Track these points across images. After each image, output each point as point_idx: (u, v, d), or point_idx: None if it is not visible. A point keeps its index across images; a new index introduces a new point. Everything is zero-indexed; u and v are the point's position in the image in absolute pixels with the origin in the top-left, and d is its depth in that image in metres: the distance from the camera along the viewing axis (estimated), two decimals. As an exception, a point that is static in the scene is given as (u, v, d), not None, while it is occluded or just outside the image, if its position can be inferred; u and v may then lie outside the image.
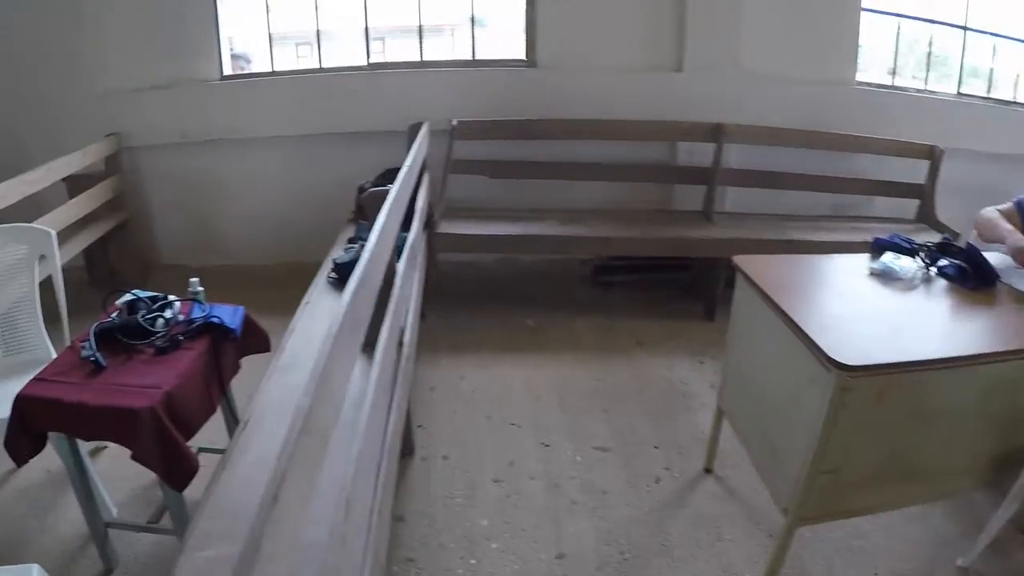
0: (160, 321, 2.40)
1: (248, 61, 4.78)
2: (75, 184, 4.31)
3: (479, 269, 4.92)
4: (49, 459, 2.98)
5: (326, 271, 3.23)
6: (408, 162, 3.04)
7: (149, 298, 2.49)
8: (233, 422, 2.74)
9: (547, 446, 3.12)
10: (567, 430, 3.23)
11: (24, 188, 3.67)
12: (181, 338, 2.37)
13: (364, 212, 3.83)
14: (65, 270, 2.94)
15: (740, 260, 2.57)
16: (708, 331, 4.08)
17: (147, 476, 2.75)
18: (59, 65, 4.54)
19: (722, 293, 4.06)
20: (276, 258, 4.61)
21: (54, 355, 2.80)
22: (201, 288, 2.61)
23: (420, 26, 4.57)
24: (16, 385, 2.50)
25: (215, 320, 2.46)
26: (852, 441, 2.02)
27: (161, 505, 2.53)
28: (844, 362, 1.88)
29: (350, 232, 3.78)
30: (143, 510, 2.73)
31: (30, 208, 3.66)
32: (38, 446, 2.24)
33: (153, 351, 2.31)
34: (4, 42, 4.56)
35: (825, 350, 1.93)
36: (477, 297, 4.61)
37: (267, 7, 4.46)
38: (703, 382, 3.61)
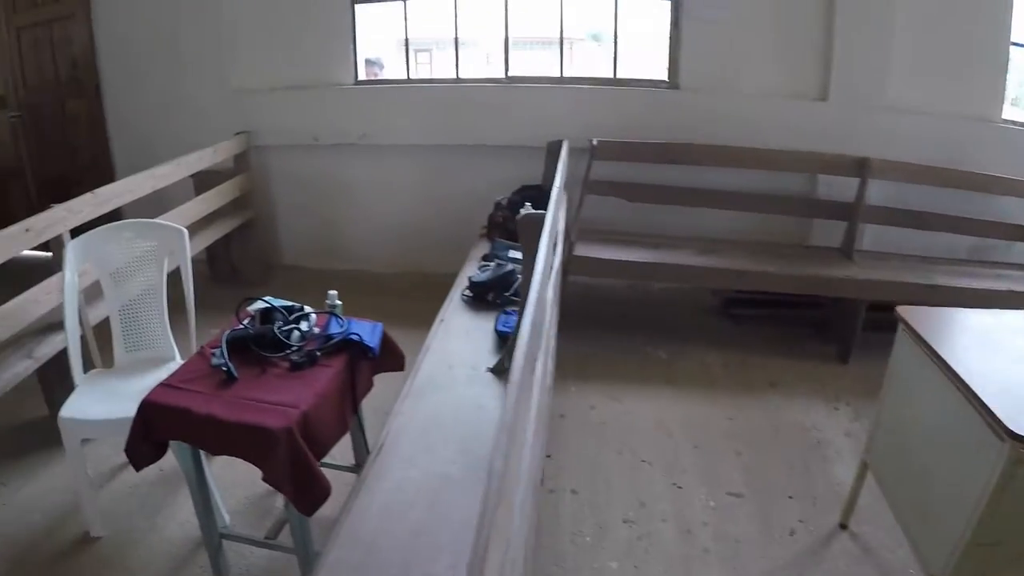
0: (296, 334, 2.30)
1: (381, 67, 4.75)
2: (202, 180, 4.34)
3: (604, 291, 4.76)
4: (167, 458, 3.04)
5: (459, 288, 3.11)
6: (557, 183, 2.93)
7: (285, 308, 2.38)
8: (361, 441, 2.64)
9: (679, 487, 2.96)
10: (700, 471, 3.07)
11: (153, 182, 3.71)
12: (318, 354, 2.25)
13: (501, 230, 3.74)
14: (187, 264, 2.93)
15: (905, 312, 2.37)
16: (842, 375, 3.87)
17: (262, 483, 2.71)
18: (193, 61, 4.61)
19: (859, 336, 3.88)
20: (399, 267, 4.55)
21: (177, 355, 2.78)
22: (339, 302, 2.50)
23: (561, 39, 4.45)
24: (138, 383, 2.54)
25: (354, 338, 2.33)
26: (1019, 515, 1.85)
27: (280, 520, 2.44)
28: (1021, 432, 1.73)
29: (482, 248, 3.65)
30: (257, 520, 2.70)
31: (156, 202, 3.69)
32: (159, 453, 2.17)
33: (288, 365, 2.20)
34: (144, 35, 4.64)
35: (1001, 418, 1.78)
36: (603, 321, 4.43)
37: (405, 14, 4.40)
38: (837, 429, 3.40)
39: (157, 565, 2.54)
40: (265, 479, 2.02)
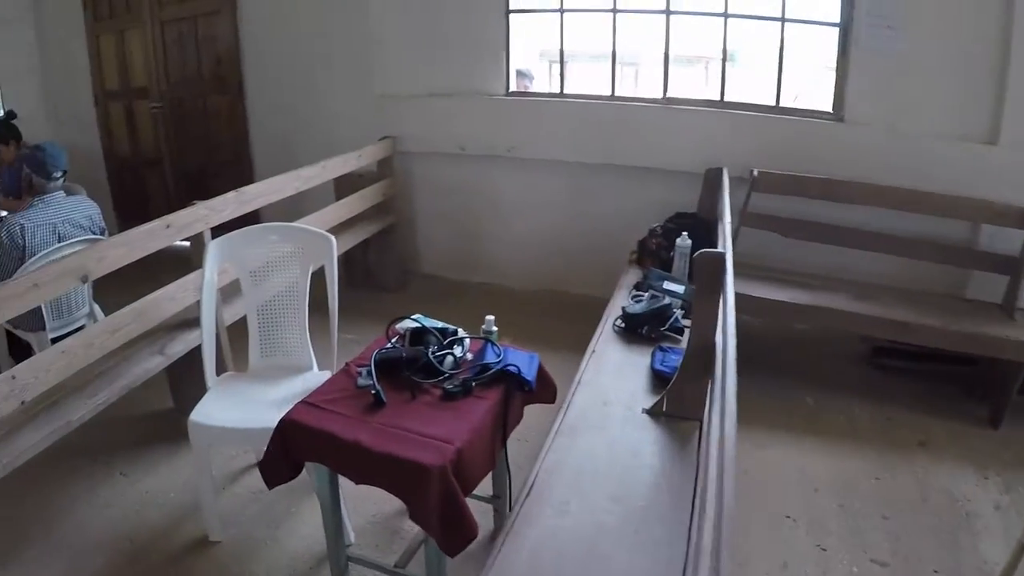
0: (449, 359, 2.13)
1: (531, 79, 4.63)
2: (342, 183, 4.29)
3: (745, 327, 4.53)
4: None
5: (610, 317, 2.91)
6: (727, 217, 2.75)
7: (439, 330, 2.22)
8: (505, 473, 2.44)
9: (823, 550, 2.71)
10: (844, 534, 2.81)
11: (298, 184, 3.64)
12: (473, 384, 2.07)
13: (654, 258, 3.54)
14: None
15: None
16: (992, 440, 3.51)
17: (391, 503, 2.57)
18: (338, 63, 4.58)
19: (1014, 400, 3.56)
20: (538, 284, 4.36)
21: (315, 364, 2.67)
22: (496, 328, 2.31)
23: (724, 60, 4.21)
24: (272, 392, 2.48)
25: (512, 369, 2.14)
26: None
27: (411, 549, 2.29)
28: None
29: (632, 275, 3.44)
30: (384, 541, 2.60)
31: (293, 203, 3.65)
32: (295, 472, 2.04)
33: (440, 394, 2.04)
34: (289, 35, 4.68)
35: None
36: (745, 360, 4.22)
37: (561, 26, 4.26)
38: (987, 501, 3.05)
39: (275, 578, 2.44)
40: (412, 517, 1.86)
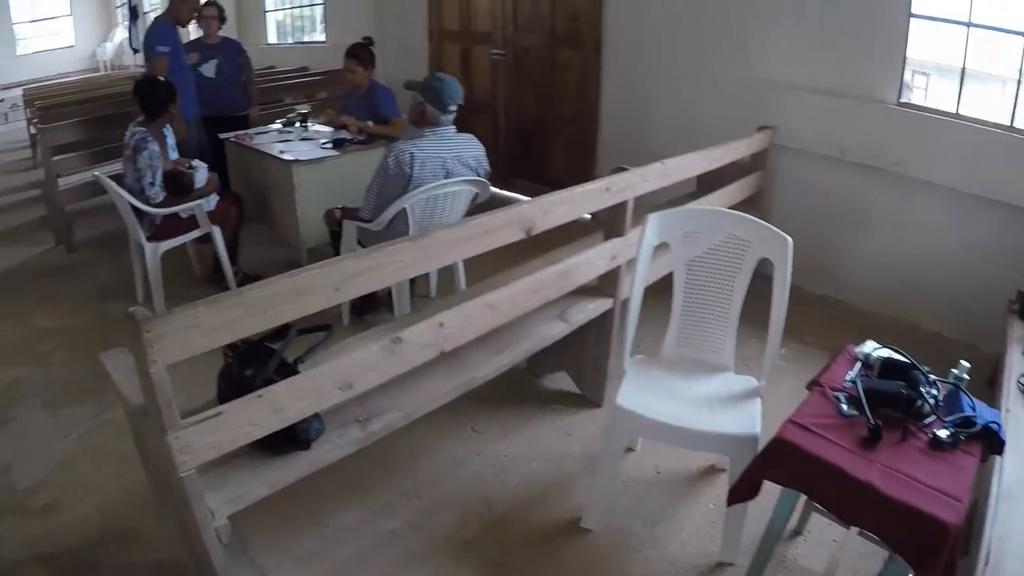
0: (928, 403, 1.94)
1: (910, 89, 4.23)
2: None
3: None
4: (661, 457, 2.80)
5: (1012, 374, 2.56)
6: None
7: (909, 366, 2.04)
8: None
9: None
10: None
11: (706, 163, 3.54)
12: (962, 436, 1.88)
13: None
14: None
15: None
16: None
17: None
18: (716, 37, 4.38)
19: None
20: (890, 310, 3.95)
21: (732, 366, 2.54)
22: (967, 376, 2.08)
23: None
24: (692, 387, 2.43)
25: (994, 427, 1.92)
26: None
27: None
28: None
29: (1017, 328, 3.10)
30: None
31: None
32: (755, 492, 1.97)
33: (927, 440, 1.87)
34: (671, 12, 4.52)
35: None
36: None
37: (966, 41, 3.80)
38: None
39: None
40: (916, 571, 1.72)
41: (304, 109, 4.93)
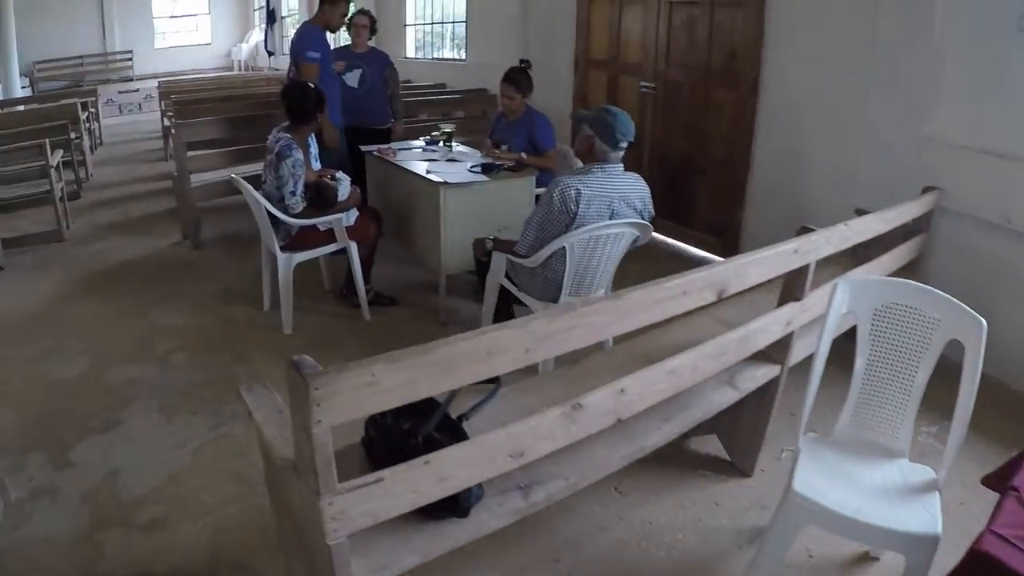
0: None
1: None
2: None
3: None
4: (813, 539, 2.54)
5: None
6: None
7: None
8: None
9: None
10: None
11: (882, 226, 3.20)
12: None
13: None
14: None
15: None
16: None
17: None
18: (883, 86, 3.99)
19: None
20: None
21: (907, 452, 2.24)
22: None
23: None
24: (870, 475, 2.14)
25: None
26: None
27: None
28: None
29: None
30: None
31: None
32: None
33: None
34: (826, 34, 4.21)
35: None
36: None
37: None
38: None
39: None
40: None
41: (449, 128, 4.73)
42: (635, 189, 3.08)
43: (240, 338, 3.83)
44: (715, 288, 2.18)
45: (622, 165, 3.04)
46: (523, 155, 4.25)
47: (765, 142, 4.71)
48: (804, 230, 2.59)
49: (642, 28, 5.51)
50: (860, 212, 3.65)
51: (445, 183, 3.75)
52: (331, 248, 3.84)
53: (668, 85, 5.38)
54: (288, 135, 3.63)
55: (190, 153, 5.11)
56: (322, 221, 3.72)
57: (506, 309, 3.51)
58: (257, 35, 16.15)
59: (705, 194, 5.22)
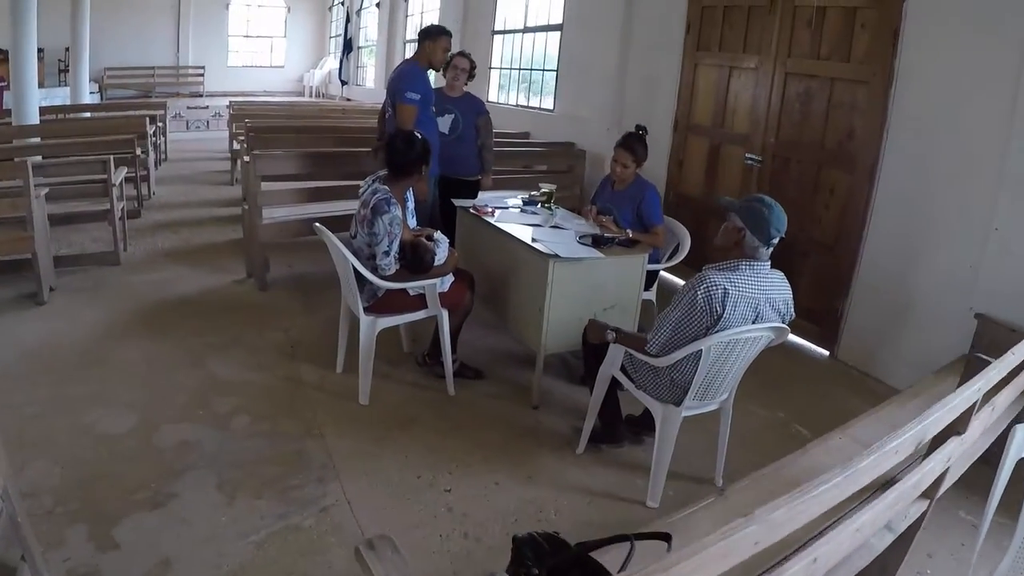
0: None
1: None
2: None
3: None
4: None
5: None
6: None
7: None
8: None
9: None
10: None
11: None
12: None
13: None
14: None
15: None
16: None
17: None
18: (1019, 191, 3.59)
19: None
20: None
21: None
22: None
23: None
24: None
25: None
26: None
27: None
28: None
29: None
30: None
31: None
32: None
33: None
34: (959, 122, 3.84)
35: None
36: None
37: None
38: None
39: None
40: None
41: (548, 188, 4.35)
42: (780, 290, 2.72)
43: (310, 403, 3.46)
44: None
45: (769, 263, 2.68)
46: (629, 232, 3.88)
47: (878, 231, 4.33)
48: (977, 360, 2.44)
49: (752, 97, 5.17)
50: (979, 316, 3.53)
51: (556, 256, 3.35)
52: (420, 315, 3.48)
53: (776, 160, 5.01)
54: (386, 188, 3.28)
55: (265, 185, 4.79)
56: (416, 286, 3.36)
57: (613, 400, 3.16)
58: (331, 63, 16.17)
59: (805, 278, 4.82)
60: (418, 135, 3.42)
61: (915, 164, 4.07)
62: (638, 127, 4.05)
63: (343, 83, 13.84)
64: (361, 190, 3.39)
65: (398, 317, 3.46)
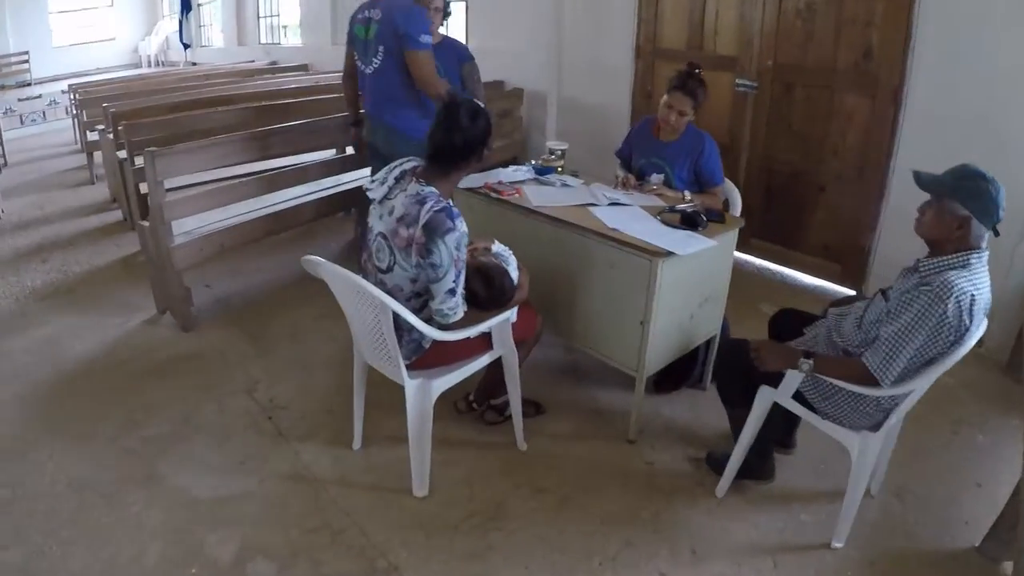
0: None
1: None
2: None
3: None
4: None
5: None
6: None
7: None
8: None
9: None
10: None
11: None
12: None
13: None
14: None
15: None
16: None
17: None
18: None
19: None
20: None
21: None
22: None
23: None
24: None
25: None
26: None
27: None
28: None
29: None
30: None
31: None
32: None
33: None
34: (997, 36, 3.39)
35: None
36: None
37: None
38: None
39: None
40: None
41: (558, 147, 3.39)
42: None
43: (346, 515, 2.41)
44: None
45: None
46: (686, 194, 3.06)
47: (907, 161, 3.75)
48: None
49: (738, 15, 4.47)
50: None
51: (668, 253, 2.45)
52: (484, 361, 2.50)
53: (776, 86, 4.39)
54: (433, 189, 2.21)
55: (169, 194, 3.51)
56: (486, 328, 2.37)
57: (775, 427, 2.51)
58: (167, 26, 14.67)
59: (823, 214, 4.37)
60: (480, 103, 2.34)
61: (947, 84, 3.60)
62: (691, 64, 3.19)
63: (186, 47, 12.62)
64: (376, 194, 2.30)
65: (459, 372, 2.44)
